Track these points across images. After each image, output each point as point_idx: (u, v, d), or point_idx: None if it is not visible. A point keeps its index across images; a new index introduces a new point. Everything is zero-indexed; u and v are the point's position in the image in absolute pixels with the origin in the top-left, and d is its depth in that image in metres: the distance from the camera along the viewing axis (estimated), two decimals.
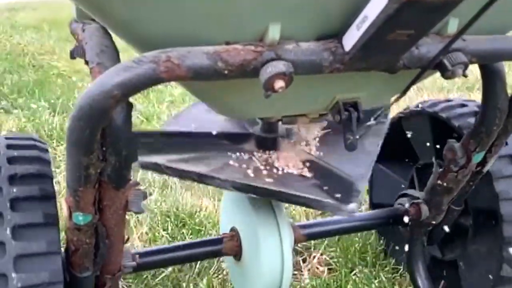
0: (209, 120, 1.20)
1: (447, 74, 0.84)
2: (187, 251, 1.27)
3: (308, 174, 1.14)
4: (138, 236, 1.84)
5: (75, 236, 0.88)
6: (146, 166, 1.09)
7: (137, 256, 1.08)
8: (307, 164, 1.17)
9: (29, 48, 4.88)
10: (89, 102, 0.68)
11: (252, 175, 1.10)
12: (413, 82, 0.84)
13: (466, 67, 0.84)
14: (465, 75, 0.85)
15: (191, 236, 1.83)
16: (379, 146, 1.29)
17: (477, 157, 1.18)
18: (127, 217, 0.91)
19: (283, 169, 1.14)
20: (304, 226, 1.39)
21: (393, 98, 1.01)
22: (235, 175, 1.08)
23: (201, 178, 1.08)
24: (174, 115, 1.19)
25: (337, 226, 1.44)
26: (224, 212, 1.41)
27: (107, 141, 0.77)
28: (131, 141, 0.78)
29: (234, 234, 1.30)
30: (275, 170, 1.13)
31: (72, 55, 0.94)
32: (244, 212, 1.25)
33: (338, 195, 1.07)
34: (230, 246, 1.29)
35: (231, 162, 1.13)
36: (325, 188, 1.10)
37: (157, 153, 1.08)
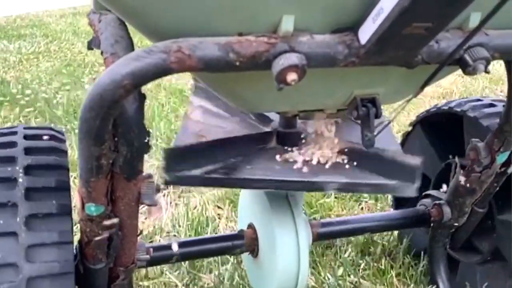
0: (215, 126, 1.18)
1: (468, 70, 0.81)
2: (202, 246, 1.27)
3: (352, 162, 1.10)
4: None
5: (88, 227, 0.88)
6: (182, 181, 1.06)
7: (151, 249, 1.08)
8: (345, 152, 1.12)
9: (90, 57, 4.34)
10: (100, 92, 0.68)
11: (304, 170, 1.07)
12: (431, 78, 0.81)
13: (488, 62, 0.81)
14: (487, 71, 0.82)
15: None
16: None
17: (502, 157, 1.15)
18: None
19: (326, 161, 1.10)
20: (322, 224, 1.37)
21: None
22: (281, 174, 1.05)
23: (248, 183, 1.05)
24: (179, 132, 1.16)
25: (356, 225, 1.42)
26: (241, 208, 1.40)
27: (119, 132, 0.77)
28: (143, 132, 0.78)
29: (251, 230, 1.29)
30: (316, 163, 1.10)
31: (90, 46, 0.94)
32: (261, 208, 1.24)
33: (396, 175, 1.04)
34: (247, 242, 1.28)
35: (269, 162, 1.10)
36: (379, 171, 1.06)
37: (189, 166, 1.03)
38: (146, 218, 1.95)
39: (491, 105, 1.39)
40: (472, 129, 1.38)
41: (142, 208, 1.98)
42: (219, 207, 2.03)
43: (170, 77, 3.55)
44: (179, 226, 1.88)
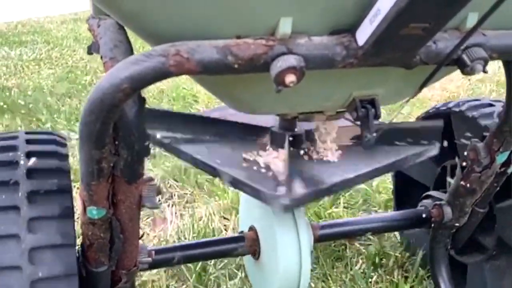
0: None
1: (466, 70, 0.82)
2: (204, 249, 1.27)
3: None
4: None
5: (90, 231, 0.89)
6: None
7: (153, 252, 1.08)
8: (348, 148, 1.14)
9: (92, 64, 4.27)
10: (100, 96, 0.68)
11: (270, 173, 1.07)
12: (429, 78, 0.82)
13: (486, 63, 0.82)
14: (485, 71, 0.83)
15: None
16: None
17: (501, 157, 1.15)
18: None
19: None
20: (323, 226, 1.37)
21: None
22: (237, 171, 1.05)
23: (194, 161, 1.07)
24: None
25: (356, 227, 1.42)
26: (242, 210, 1.40)
27: (119, 135, 0.77)
28: (143, 135, 0.78)
29: (252, 232, 1.29)
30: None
31: (89, 51, 0.95)
32: (262, 210, 1.24)
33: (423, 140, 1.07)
34: (248, 244, 1.28)
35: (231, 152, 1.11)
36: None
37: (165, 130, 1.07)
38: (150, 230, 1.91)
39: (481, 103, 1.40)
40: (461, 127, 1.40)
41: (147, 220, 1.97)
42: (225, 218, 1.98)
43: (173, 84, 3.55)
44: (185, 238, 1.85)
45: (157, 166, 2.32)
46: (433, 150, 1.06)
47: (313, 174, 1.05)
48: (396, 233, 1.80)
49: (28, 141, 1.00)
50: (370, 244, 1.79)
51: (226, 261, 1.68)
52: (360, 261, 1.71)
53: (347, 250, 1.76)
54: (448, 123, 1.49)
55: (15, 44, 5.18)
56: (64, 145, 1.04)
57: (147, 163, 2.29)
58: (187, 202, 2.11)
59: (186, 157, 1.07)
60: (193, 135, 1.09)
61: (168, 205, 2.08)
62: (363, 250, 1.76)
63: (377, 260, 1.71)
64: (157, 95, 3.42)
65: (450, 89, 3.46)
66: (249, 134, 1.14)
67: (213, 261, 1.67)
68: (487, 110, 1.37)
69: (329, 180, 1.02)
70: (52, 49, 4.95)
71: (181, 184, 2.23)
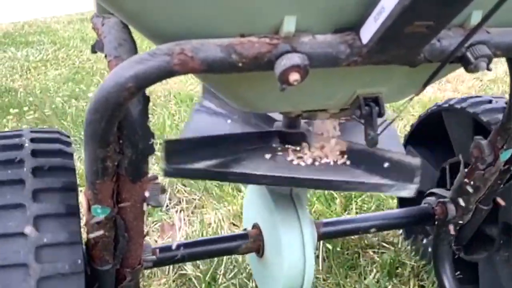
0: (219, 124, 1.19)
1: (470, 67, 0.82)
2: (207, 247, 1.27)
3: (352, 161, 1.11)
4: None
5: (95, 229, 0.89)
6: (182, 173, 1.06)
7: (157, 250, 1.09)
8: (347, 152, 1.12)
9: (98, 65, 4.20)
10: (104, 95, 0.69)
11: (302, 164, 1.07)
12: (433, 76, 0.82)
13: (490, 60, 0.82)
14: (489, 69, 0.83)
15: None
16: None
17: (505, 155, 1.15)
18: None
19: (326, 161, 1.10)
20: (326, 224, 1.37)
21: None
22: (280, 170, 1.06)
23: (245, 178, 1.05)
24: (184, 129, 1.17)
25: (360, 224, 1.42)
26: (246, 208, 1.41)
27: (124, 134, 0.77)
28: (148, 134, 0.79)
29: (256, 230, 1.30)
30: (317, 162, 1.10)
31: (93, 50, 0.95)
32: (266, 208, 1.25)
33: (396, 175, 1.03)
34: (252, 242, 1.28)
35: (268, 158, 1.10)
36: (379, 171, 1.06)
37: (188, 159, 1.03)
38: (158, 237, 1.88)
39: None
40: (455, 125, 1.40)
41: (155, 226, 1.93)
42: (234, 224, 1.93)
43: (179, 84, 3.53)
44: None
45: None
46: (408, 190, 1.02)
47: None
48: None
49: (33, 140, 1.00)
50: (384, 252, 1.75)
51: (236, 270, 1.65)
52: (374, 270, 1.67)
53: (361, 259, 1.72)
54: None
55: (22, 45, 5.14)
56: (69, 144, 1.04)
57: (154, 168, 2.27)
58: (195, 207, 2.07)
59: (236, 176, 1.05)
60: (221, 157, 1.06)
61: (176, 211, 2.04)
62: (377, 259, 1.73)
63: (392, 269, 1.66)
64: (164, 96, 3.38)
65: (461, 90, 3.44)
66: (259, 141, 1.14)
67: (223, 270, 1.64)
68: (483, 105, 1.38)
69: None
70: (58, 50, 4.92)
71: (189, 188, 2.18)
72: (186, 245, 1.24)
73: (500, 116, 1.19)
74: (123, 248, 0.93)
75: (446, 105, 1.48)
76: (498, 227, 1.40)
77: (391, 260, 1.68)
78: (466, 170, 1.25)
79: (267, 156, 1.10)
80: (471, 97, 1.44)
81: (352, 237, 1.80)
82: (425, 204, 1.44)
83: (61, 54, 4.73)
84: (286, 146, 1.14)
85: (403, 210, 1.50)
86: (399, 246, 1.77)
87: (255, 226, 1.31)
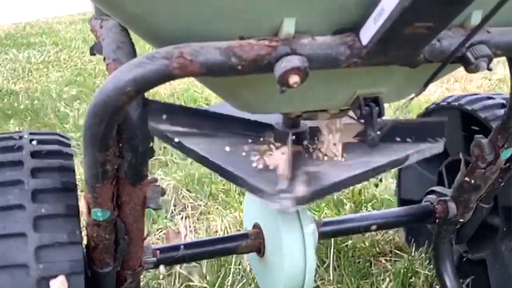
0: None
1: (470, 67, 0.81)
2: (208, 247, 1.27)
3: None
4: None
5: (95, 232, 0.89)
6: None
7: (158, 252, 1.08)
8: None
9: (101, 66, 4.08)
10: (104, 98, 0.68)
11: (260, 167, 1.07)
12: (433, 76, 0.81)
13: (490, 60, 0.81)
14: (489, 69, 0.83)
15: None
16: None
17: (506, 153, 1.15)
18: None
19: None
20: (327, 223, 1.37)
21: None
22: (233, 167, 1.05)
23: (204, 162, 1.05)
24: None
25: (361, 223, 1.41)
26: (247, 208, 1.40)
27: (123, 138, 0.77)
28: (147, 137, 0.78)
29: (257, 230, 1.29)
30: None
31: (92, 52, 0.95)
32: (267, 207, 1.24)
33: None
34: (253, 242, 1.28)
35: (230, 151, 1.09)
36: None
37: (162, 121, 1.06)
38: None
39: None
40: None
41: (160, 233, 1.89)
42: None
43: (184, 87, 3.50)
44: None
45: (169, 175, 2.25)
46: (438, 147, 1.06)
47: (316, 172, 1.05)
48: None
49: (32, 141, 1.00)
50: (398, 261, 1.70)
51: (244, 280, 1.61)
52: (387, 279, 1.61)
53: (373, 267, 1.67)
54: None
55: (23, 46, 5.10)
56: (68, 145, 1.04)
57: (159, 172, 2.24)
58: (201, 213, 2.02)
59: (188, 151, 1.06)
60: (196, 129, 1.07)
61: (182, 218, 1.99)
62: (390, 267, 1.67)
63: (405, 278, 1.60)
64: (168, 98, 3.34)
65: (470, 89, 3.41)
66: (253, 131, 1.13)
67: (230, 281, 1.60)
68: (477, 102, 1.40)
69: (332, 178, 1.02)
70: (60, 51, 4.88)
71: (195, 194, 2.13)
72: (187, 246, 1.24)
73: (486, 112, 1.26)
74: (123, 251, 0.93)
75: (433, 106, 1.50)
76: (499, 214, 1.40)
77: (405, 269, 1.63)
78: (466, 168, 1.25)
79: (233, 144, 1.09)
80: (452, 96, 1.47)
81: (363, 244, 1.77)
82: (426, 203, 1.44)
83: (63, 56, 4.70)
84: (277, 143, 1.13)
85: (403, 208, 1.50)
86: (412, 254, 1.72)
87: (256, 225, 1.31)
